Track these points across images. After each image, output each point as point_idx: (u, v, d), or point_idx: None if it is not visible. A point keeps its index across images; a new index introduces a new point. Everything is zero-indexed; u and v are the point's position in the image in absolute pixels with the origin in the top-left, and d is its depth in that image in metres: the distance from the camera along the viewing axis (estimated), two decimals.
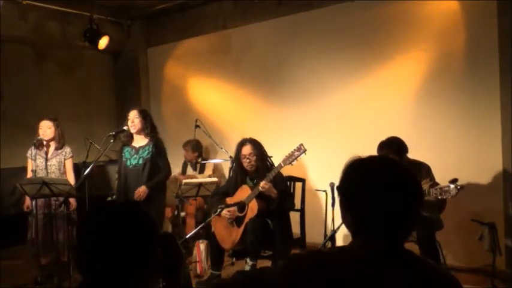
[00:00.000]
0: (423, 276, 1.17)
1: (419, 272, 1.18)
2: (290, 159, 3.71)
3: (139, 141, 4.22)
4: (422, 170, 3.69)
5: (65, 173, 4.39)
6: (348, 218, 1.26)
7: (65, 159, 4.40)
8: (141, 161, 4.13)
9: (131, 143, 4.23)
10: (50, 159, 4.33)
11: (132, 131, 4.17)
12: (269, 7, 5.51)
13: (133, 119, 4.16)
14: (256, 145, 3.94)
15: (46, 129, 4.32)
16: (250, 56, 5.79)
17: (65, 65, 6.38)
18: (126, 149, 4.22)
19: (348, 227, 1.27)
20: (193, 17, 6.25)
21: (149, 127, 4.19)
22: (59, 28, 6.05)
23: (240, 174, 3.98)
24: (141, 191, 4.03)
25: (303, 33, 5.32)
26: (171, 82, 6.69)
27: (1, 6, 5.09)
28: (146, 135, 4.19)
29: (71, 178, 4.33)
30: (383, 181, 1.21)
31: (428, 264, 1.22)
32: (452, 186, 3.29)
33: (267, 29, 5.61)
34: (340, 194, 1.28)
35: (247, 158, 3.89)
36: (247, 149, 3.90)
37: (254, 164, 3.89)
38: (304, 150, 3.65)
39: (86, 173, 3.96)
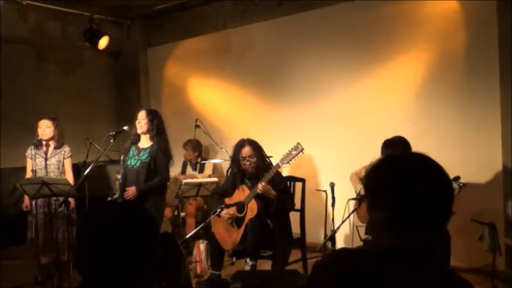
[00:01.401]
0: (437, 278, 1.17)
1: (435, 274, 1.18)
2: (288, 158, 3.71)
3: (144, 142, 4.20)
4: None
5: (64, 172, 4.39)
6: (381, 214, 1.22)
7: (64, 159, 4.39)
8: (138, 164, 4.12)
9: (138, 142, 4.23)
10: (49, 159, 4.32)
11: (139, 131, 4.16)
12: (269, 7, 5.51)
13: (140, 120, 4.15)
14: (255, 146, 3.92)
15: (45, 128, 4.31)
16: (250, 56, 5.79)
17: (65, 65, 6.38)
18: (132, 148, 4.22)
19: (374, 222, 1.25)
20: (193, 17, 6.25)
21: (155, 130, 4.13)
22: (59, 28, 6.05)
23: (239, 174, 3.96)
24: (130, 191, 4.02)
25: (303, 33, 5.32)
26: (171, 82, 6.69)
27: (1, 6, 5.09)
28: (151, 138, 4.17)
29: (69, 177, 4.32)
30: (428, 178, 1.21)
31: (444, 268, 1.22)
32: (455, 183, 3.30)
33: (267, 29, 5.61)
34: (377, 189, 1.25)
35: (248, 160, 3.87)
36: (246, 151, 3.88)
37: (255, 166, 3.88)
38: (302, 149, 3.64)
39: (86, 173, 3.96)
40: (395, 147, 3.63)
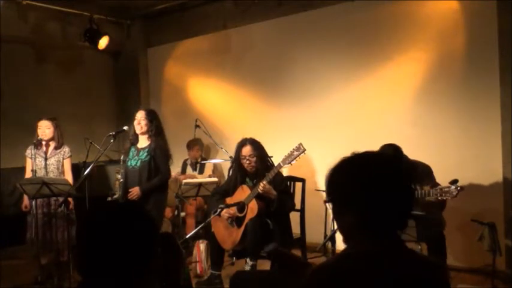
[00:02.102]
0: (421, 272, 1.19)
1: (418, 267, 1.20)
2: (289, 159, 3.70)
3: (143, 142, 4.22)
4: (421, 171, 3.69)
5: (63, 172, 4.39)
6: (350, 218, 1.22)
7: (63, 159, 4.40)
8: (139, 163, 4.14)
9: (137, 143, 4.23)
10: (49, 159, 4.33)
11: (138, 132, 4.18)
12: (269, 7, 5.51)
13: (140, 121, 4.16)
14: (256, 145, 3.93)
15: (45, 129, 4.31)
16: (250, 56, 5.79)
17: (65, 65, 6.37)
18: (131, 149, 4.24)
19: (346, 227, 1.25)
20: (193, 17, 6.25)
21: (154, 130, 4.16)
22: (59, 28, 6.05)
23: (240, 174, 3.97)
24: (134, 192, 4.05)
25: (303, 33, 5.32)
26: (171, 82, 6.69)
27: (1, 6, 5.09)
28: (149, 138, 4.18)
29: (69, 178, 4.33)
30: (390, 178, 1.22)
31: (425, 259, 1.27)
32: (452, 187, 3.29)
33: (267, 29, 5.61)
34: (340, 192, 1.25)
35: (247, 159, 3.88)
36: (247, 150, 3.89)
37: (254, 165, 3.88)
38: (304, 150, 3.64)
39: (85, 173, 3.96)
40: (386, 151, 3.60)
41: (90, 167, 3.97)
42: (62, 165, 4.39)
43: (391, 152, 3.59)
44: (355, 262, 1.17)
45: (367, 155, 1.29)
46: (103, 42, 5.88)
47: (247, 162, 3.88)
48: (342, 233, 1.27)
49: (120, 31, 6.70)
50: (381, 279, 1.14)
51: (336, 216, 1.28)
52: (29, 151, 4.30)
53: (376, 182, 1.20)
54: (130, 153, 4.22)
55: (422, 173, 3.68)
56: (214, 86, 6.18)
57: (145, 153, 4.14)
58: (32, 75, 6.03)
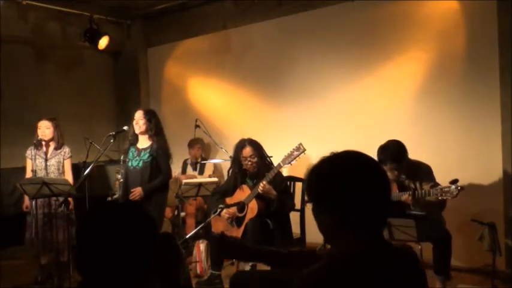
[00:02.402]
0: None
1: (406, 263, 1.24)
2: (289, 159, 3.70)
3: (143, 142, 4.21)
4: (422, 171, 3.69)
5: (63, 173, 4.39)
6: (328, 217, 1.23)
7: (63, 159, 4.40)
8: (141, 164, 4.13)
9: (136, 143, 4.23)
10: (49, 159, 4.32)
11: (137, 131, 4.17)
12: (269, 7, 5.51)
13: (138, 120, 4.15)
14: (256, 146, 3.93)
15: (45, 129, 4.31)
16: (250, 56, 5.79)
17: (65, 65, 6.37)
18: (131, 149, 4.23)
19: (325, 227, 1.25)
20: (193, 17, 6.25)
21: (154, 129, 4.15)
22: (59, 28, 6.05)
23: (240, 174, 3.97)
24: (136, 192, 4.04)
25: (303, 33, 5.32)
26: (171, 82, 6.69)
27: (1, 6, 5.09)
28: (150, 138, 4.18)
29: (69, 178, 4.33)
30: (368, 178, 1.23)
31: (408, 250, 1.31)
32: (453, 187, 3.29)
33: (267, 29, 5.61)
34: (319, 192, 1.25)
35: (249, 160, 3.88)
36: (247, 151, 3.88)
37: (256, 166, 3.89)
38: (303, 150, 3.64)
39: (86, 173, 3.96)
40: (387, 150, 3.59)
41: (90, 167, 3.97)
42: (63, 166, 4.39)
43: (396, 147, 3.59)
44: (342, 264, 1.18)
45: (346, 155, 1.30)
46: (103, 42, 5.88)
47: (249, 163, 3.88)
48: (322, 232, 1.27)
49: (120, 31, 6.70)
50: (369, 280, 1.15)
51: (315, 216, 1.27)
52: (29, 152, 4.30)
53: (354, 181, 1.21)
54: (130, 154, 4.22)
55: (422, 172, 3.68)
56: (214, 86, 6.18)
57: (147, 154, 4.13)
58: (32, 75, 6.03)
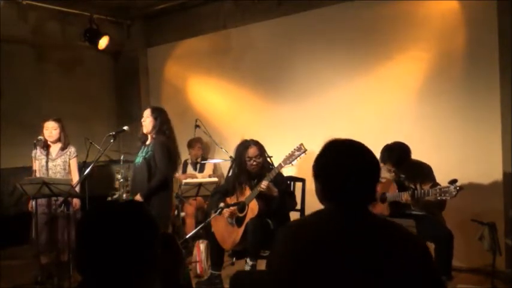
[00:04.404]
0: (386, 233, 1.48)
1: (382, 229, 1.49)
2: (290, 159, 3.71)
3: (149, 140, 4.20)
4: (422, 171, 3.69)
5: (69, 172, 4.42)
6: (318, 185, 1.58)
7: (69, 159, 4.42)
8: (141, 160, 4.13)
9: (146, 141, 4.20)
10: (55, 160, 4.35)
11: (144, 130, 4.15)
12: (269, 7, 5.51)
13: (146, 118, 4.14)
14: (260, 146, 3.94)
15: (52, 130, 4.32)
16: (250, 56, 5.79)
17: (65, 65, 6.38)
18: (141, 147, 4.21)
19: (317, 191, 1.60)
20: (193, 17, 6.25)
21: (157, 127, 4.09)
22: (59, 28, 6.05)
23: (241, 174, 3.96)
24: (137, 200, 4.01)
25: (303, 33, 5.32)
26: (171, 82, 6.69)
27: (1, 6, 5.09)
28: (152, 136, 4.17)
29: (75, 177, 4.36)
30: (344, 156, 1.55)
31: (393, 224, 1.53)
32: (451, 187, 3.29)
33: (267, 29, 5.61)
34: (314, 166, 1.59)
35: (254, 160, 3.87)
36: (253, 151, 3.87)
37: (260, 166, 3.89)
38: (305, 150, 3.65)
39: (86, 173, 3.96)
40: (392, 152, 3.66)
41: (90, 167, 3.97)
42: (69, 166, 4.42)
43: (400, 152, 3.67)
44: (311, 216, 1.60)
45: (337, 141, 1.62)
46: (103, 42, 5.88)
47: (255, 163, 3.87)
48: (317, 197, 1.61)
49: (120, 31, 6.70)
50: (326, 229, 1.50)
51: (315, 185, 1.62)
52: (35, 151, 4.32)
53: (334, 160, 1.55)
54: (139, 151, 4.21)
55: (423, 172, 3.69)
56: (214, 86, 6.18)
57: (146, 151, 4.11)
58: (32, 75, 6.04)
